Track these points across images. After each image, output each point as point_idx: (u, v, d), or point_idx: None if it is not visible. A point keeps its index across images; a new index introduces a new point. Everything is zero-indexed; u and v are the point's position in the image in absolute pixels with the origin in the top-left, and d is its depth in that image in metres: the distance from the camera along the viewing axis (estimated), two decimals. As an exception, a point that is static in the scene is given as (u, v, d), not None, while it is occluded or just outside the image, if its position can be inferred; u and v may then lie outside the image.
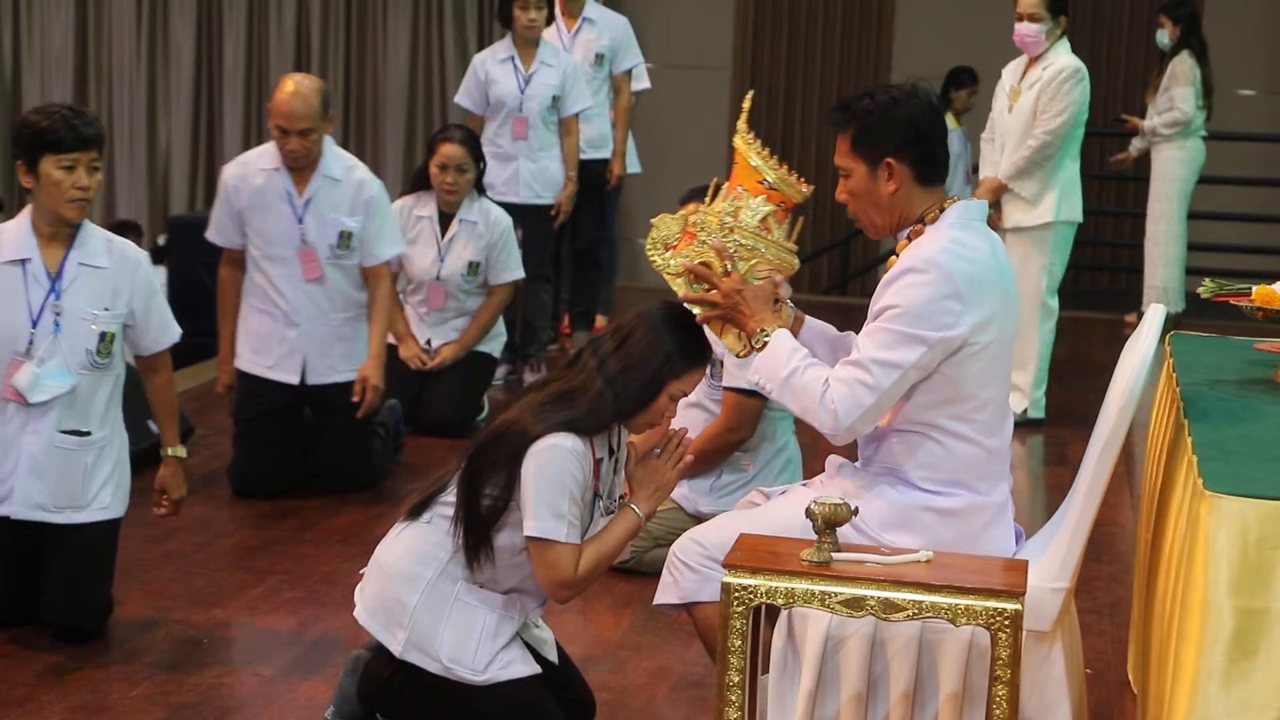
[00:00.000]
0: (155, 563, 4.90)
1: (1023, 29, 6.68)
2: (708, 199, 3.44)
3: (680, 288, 3.37)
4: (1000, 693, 2.84)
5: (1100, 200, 10.31)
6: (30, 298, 4.15)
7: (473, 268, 6.45)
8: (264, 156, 5.52)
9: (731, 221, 3.35)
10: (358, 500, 5.60)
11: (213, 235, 5.61)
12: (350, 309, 5.58)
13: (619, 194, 8.37)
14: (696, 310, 3.37)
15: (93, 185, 4.17)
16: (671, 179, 10.22)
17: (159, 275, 10.12)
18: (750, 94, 3.65)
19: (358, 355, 5.57)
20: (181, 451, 4.44)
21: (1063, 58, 6.66)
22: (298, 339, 5.52)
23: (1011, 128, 6.73)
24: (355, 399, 5.52)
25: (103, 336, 4.19)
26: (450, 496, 3.46)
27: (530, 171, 7.25)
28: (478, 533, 3.40)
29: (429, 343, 6.52)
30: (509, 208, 7.01)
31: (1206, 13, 10.69)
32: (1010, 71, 6.88)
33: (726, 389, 4.64)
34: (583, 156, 7.67)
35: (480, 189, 6.52)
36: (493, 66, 7.24)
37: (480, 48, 11.27)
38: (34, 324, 4.14)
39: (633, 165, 8.57)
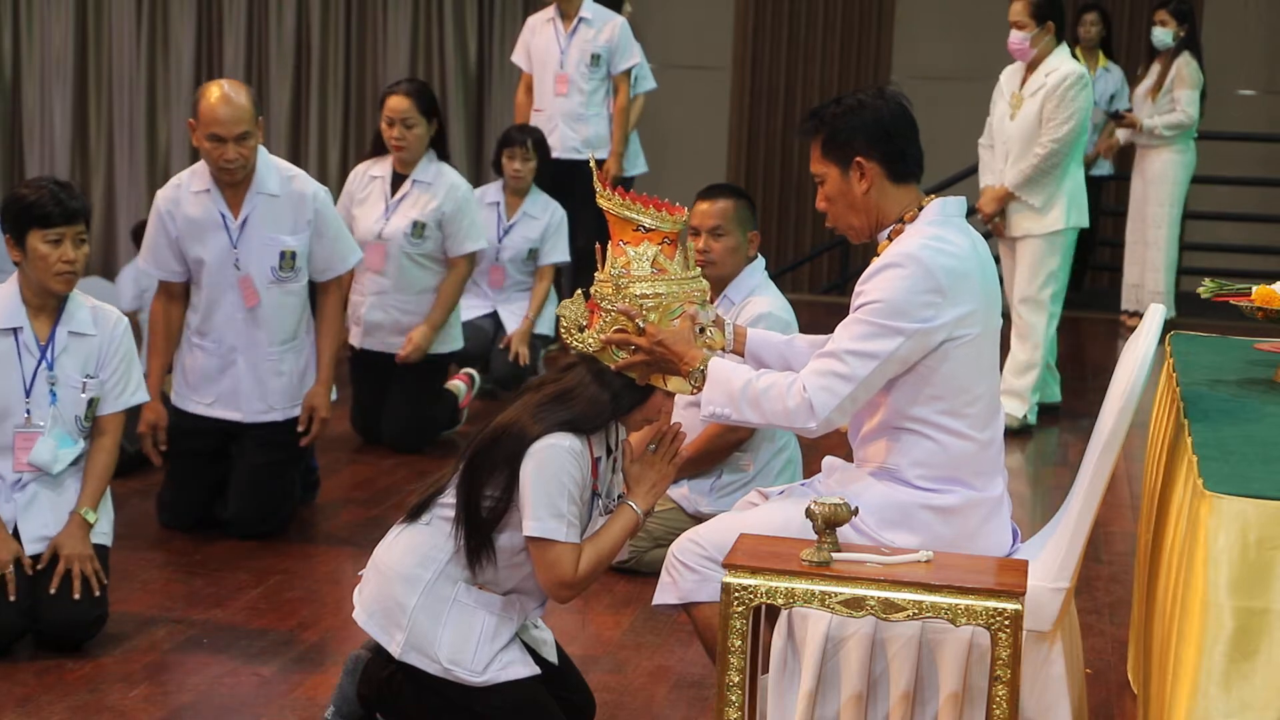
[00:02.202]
0: (155, 563, 4.90)
1: (1011, 36, 6.67)
2: (599, 267, 3.46)
3: (610, 360, 3.40)
4: (1000, 693, 2.84)
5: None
6: (23, 367, 4.21)
7: (418, 228, 6.04)
8: (194, 178, 5.08)
9: (625, 279, 3.38)
10: (358, 501, 5.60)
11: (147, 264, 5.17)
12: (291, 338, 5.16)
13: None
14: (633, 375, 3.40)
15: (79, 258, 4.19)
16: (672, 179, 10.23)
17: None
18: (592, 159, 3.70)
19: (296, 392, 5.18)
20: (92, 517, 4.23)
21: (1064, 64, 6.61)
22: (235, 376, 5.11)
23: (1015, 135, 6.67)
24: (301, 428, 5.15)
25: (90, 403, 4.27)
26: (449, 498, 3.46)
27: (508, 312, 7.12)
28: (479, 535, 3.40)
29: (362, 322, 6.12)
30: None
31: (1206, 13, 10.69)
32: (1008, 78, 6.83)
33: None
34: (578, 157, 7.63)
35: (441, 150, 6.14)
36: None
37: (480, 48, 11.29)
38: (27, 394, 4.21)
39: (639, 166, 8.55)
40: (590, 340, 3.40)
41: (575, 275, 7.98)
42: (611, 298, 3.37)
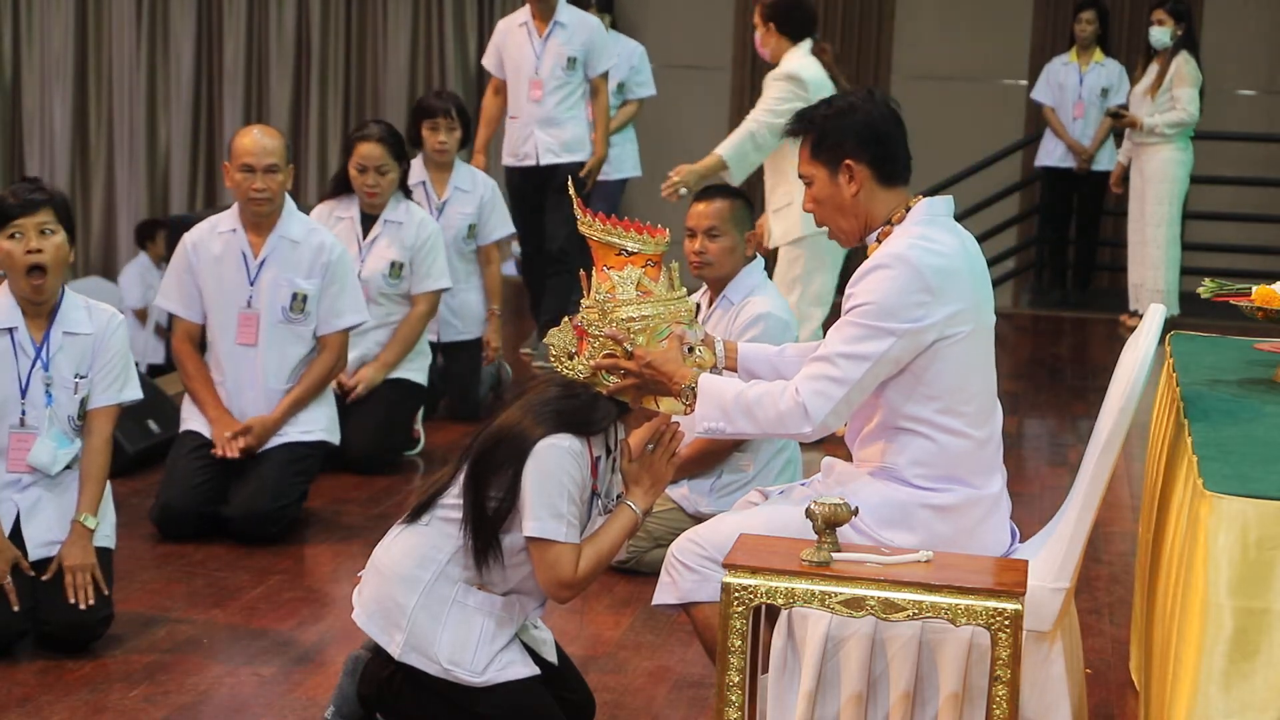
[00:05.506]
0: (155, 563, 4.90)
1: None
2: (584, 293, 3.48)
3: (601, 386, 3.42)
4: (1000, 693, 2.84)
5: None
6: (19, 368, 4.19)
7: (395, 268, 6.03)
8: (224, 219, 5.31)
9: (611, 304, 3.40)
10: (358, 500, 5.60)
11: (169, 302, 5.33)
12: (297, 377, 5.31)
13: (618, 195, 8.29)
14: (626, 399, 3.42)
15: (47, 248, 4.09)
16: (671, 179, 10.21)
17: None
18: (570, 184, 3.73)
19: (306, 419, 5.29)
20: (92, 522, 4.17)
21: (784, 64, 6.20)
22: (241, 411, 5.24)
23: None
24: (229, 434, 5.16)
25: (82, 402, 4.25)
26: (449, 499, 3.46)
27: (448, 308, 6.63)
28: (486, 535, 3.40)
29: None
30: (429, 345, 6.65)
31: (1206, 13, 10.69)
32: None
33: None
34: (557, 160, 7.44)
35: (406, 190, 6.15)
36: None
37: (480, 48, 11.29)
38: (23, 394, 4.19)
39: (627, 169, 8.48)
40: (580, 367, 3.42)
41: (558, 277, 7.71)
42: (598, 323, 3.40)
